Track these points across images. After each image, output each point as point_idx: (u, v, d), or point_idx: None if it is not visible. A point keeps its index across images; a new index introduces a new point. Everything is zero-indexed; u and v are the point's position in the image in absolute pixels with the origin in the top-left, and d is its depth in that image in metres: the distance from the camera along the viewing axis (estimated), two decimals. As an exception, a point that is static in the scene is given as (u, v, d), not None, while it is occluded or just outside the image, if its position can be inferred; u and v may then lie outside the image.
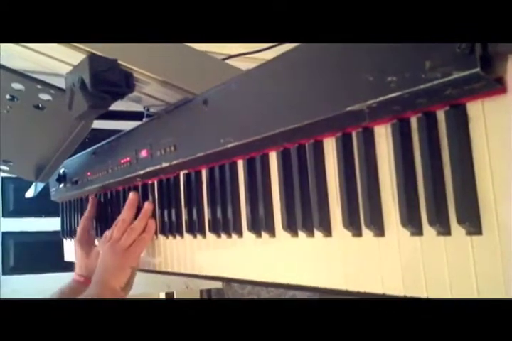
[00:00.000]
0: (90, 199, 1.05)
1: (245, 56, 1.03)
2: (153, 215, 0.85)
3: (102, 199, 1.04)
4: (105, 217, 1.02)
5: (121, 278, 0.83)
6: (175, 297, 2.11)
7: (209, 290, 2.20)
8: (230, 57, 1.01)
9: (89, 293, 0.81)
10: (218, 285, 1.98)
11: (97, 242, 1.02)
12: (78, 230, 1.02)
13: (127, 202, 0.88)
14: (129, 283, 0.85)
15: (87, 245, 1.00)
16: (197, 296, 2.20)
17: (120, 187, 0.95)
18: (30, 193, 1.19)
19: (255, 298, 1.83)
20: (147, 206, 0.85)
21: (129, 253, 0.84)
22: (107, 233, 0.88)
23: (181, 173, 0.77)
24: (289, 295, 1.54)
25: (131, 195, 0.88)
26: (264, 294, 1.74)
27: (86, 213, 1.04)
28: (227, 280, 0.67)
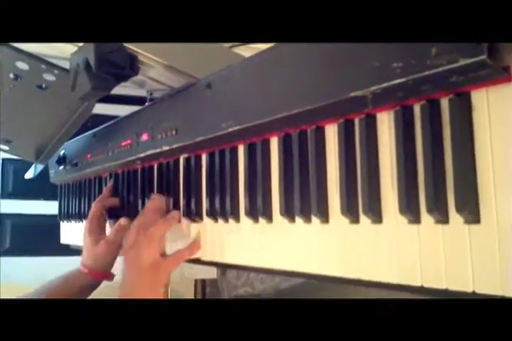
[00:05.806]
0: (108, 184, 0.97)
1: (248, 45, 1.02)
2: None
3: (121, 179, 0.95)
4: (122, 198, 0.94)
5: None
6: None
7: (203, 281, 2.20)
8: (234, 46, 1.01)
9: None
10: (213, 275, 1.99)
11: (107, 228, 0.93)
12: (89, 217, 0.92)
13: (150, 204, 0.77)
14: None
15: (96, 233, 0.90)
16: (191, 286, 2.20)
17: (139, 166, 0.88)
18: (29, 174, 1.19)
19: (249, 289, 1.83)
20: (176, 214, 0.76)
21: (159, 269, 0.70)
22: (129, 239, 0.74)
23: (181, 157, 0.77)
24: (284, 286, 1.54)
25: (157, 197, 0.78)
26: (258, 285, 1.74)
27: (100, 197, 0.94)
28: (223, 266, 0.66)
